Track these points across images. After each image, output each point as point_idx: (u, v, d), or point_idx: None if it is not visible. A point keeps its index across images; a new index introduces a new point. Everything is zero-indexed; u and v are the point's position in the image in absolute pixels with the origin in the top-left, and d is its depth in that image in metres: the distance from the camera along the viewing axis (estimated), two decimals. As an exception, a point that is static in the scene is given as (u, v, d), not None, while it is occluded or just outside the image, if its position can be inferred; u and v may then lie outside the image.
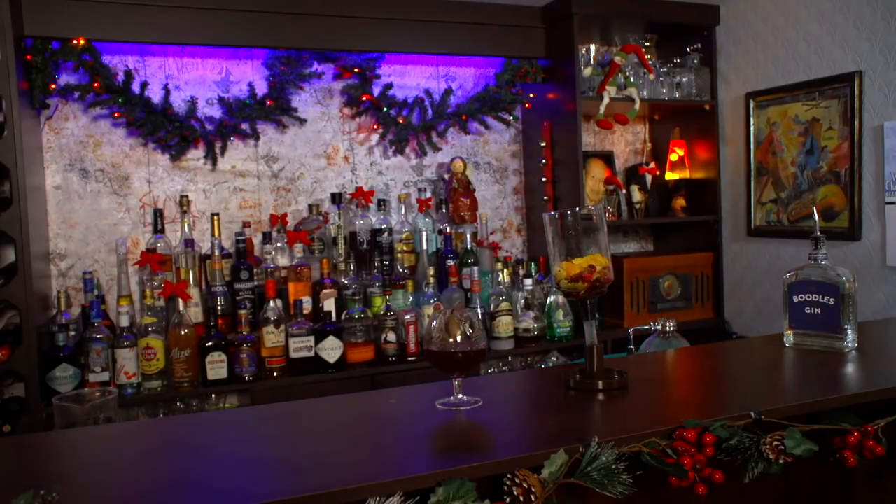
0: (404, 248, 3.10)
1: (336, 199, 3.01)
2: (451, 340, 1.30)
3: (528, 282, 3.09)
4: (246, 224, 2.95)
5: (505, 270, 3.08)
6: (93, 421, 1.47)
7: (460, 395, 1.33)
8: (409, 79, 3.26)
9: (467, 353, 1.30)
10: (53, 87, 2.64)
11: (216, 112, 2.95)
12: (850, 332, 1.63)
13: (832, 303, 1.63)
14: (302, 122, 3.05)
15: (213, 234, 2.82)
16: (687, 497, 1.13)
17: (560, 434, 1.15)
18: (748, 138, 3.28)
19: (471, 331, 1.31)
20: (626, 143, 3.71)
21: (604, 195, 3.47)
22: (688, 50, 3.41)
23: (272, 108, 2.96)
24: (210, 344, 2.59)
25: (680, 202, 3.49)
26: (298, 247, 2.86)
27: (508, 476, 1.02)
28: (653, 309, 3.28)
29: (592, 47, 3.35)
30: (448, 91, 3.27)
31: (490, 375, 2.87)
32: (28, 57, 2.56)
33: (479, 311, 2.93)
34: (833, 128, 2.91)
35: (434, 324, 1.32)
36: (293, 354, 2.70)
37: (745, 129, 3.29)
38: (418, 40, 3.07)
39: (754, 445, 1.16)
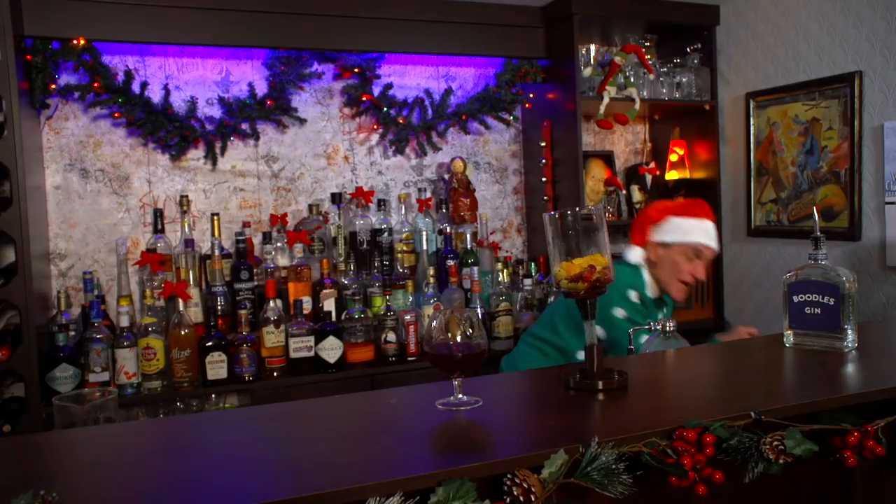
0: (404, 248, 3.10)
1: (336, 199, 3.01)
2: (451, 340, 1.30)
3: (528, 282, 3.09)
4: (246, 224, 2.95)
5: (505, 270, 3.08)
6: (93, 421, 1.47)
7: (460, 395, 1.33)
8: (409, 79, 3.26)
9: (467, 354, 1.30)
10: (53, 87, 2.65)
11: (216, 112, 2.95)
12: (850, 332, 1.63)
13: (832, 303, 1.63)
14: (302, 122, 3.05)
15: (213, 234, 2.82)
16: (687, 497, 1.13)
17: (560, 434, 1.14)
18: (748, 138, 3.28)
19: (471, 331, 1.31)
20: (626, 143, 3.71)
21: (604, 195, 3.47)
22: (688, 50, 3.41)
23: (272, 108, 2.96)
24: (210, 344, 2.58)
25: (680, 202, 3.49)
26: (298, 247, 2.86)
27: (508, 476, 1.02)
28: (653, 309, 3.27)
29: (592, 47, 3.35)
30: (448, 91, 3.27)
31: (490, 375, 2.87)
32: (28, 57, 2.56)
33: (479, 311, 2.93)
34: (833, 128, 2.91)
35: (434, 324, 1.32)
36: (293, 354, 2.70)
37: (745, 129, 3.29)
38: (418, 40, 3.07)
39: (754, 445, 1.16)
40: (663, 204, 2.45)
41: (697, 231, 2.31)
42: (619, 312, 2.23)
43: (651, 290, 2.34)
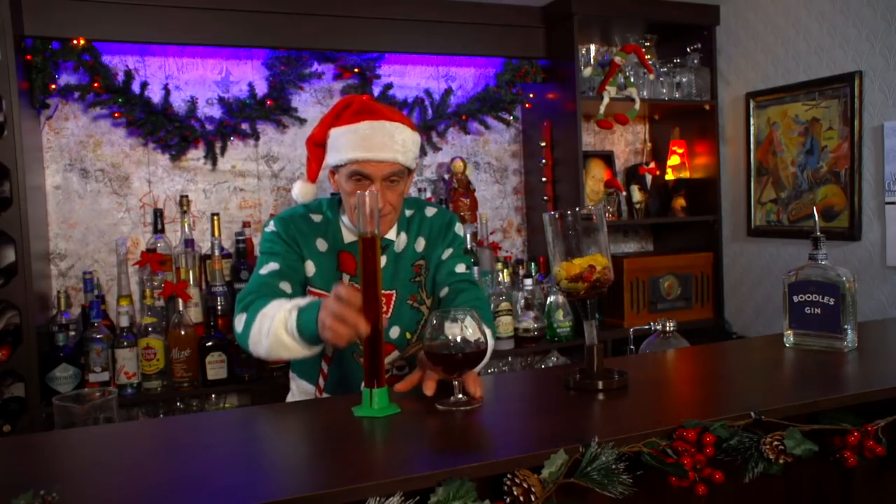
0: (404, 248, 3.09)
1: (336, 199, 3.01)
2: (451, 340, 1.30)
3: (528, 282, 3.09)
4: (246, 224, 2.95)
5: (505, 270, 3.08)
6: (93, 421, 1.47)
7: (460, 395, 1.32)
8: (409, 79, 3.26)
9: (467, 353, 1.30)
10: (53, 87, 2.64)
11: (216, 112, 2.95)
12: (850, 332, 1.63)
13: (832, 303, 1.63)
14: (302, 122, 3.05)
15: (213, 234, 2.82)
16: (687, 497, 1.13)
17: (560, 434, 1.14)
18: (748, 138, 3.28)
19: (470, 330, 1.31)
20: (626, 143, 3.71)
21: (604, 195, 3.47)
22: (688, 50, 3.41)
23: (272, 108, 2.96)
24: (210, 344, 2.59)
25: (680, 202, 3.49)
26: (298, 247, 2.86)
27: (508, 476, 1.02)
28: (653, 309, 3.28)
29: (592, 47, 3.35)
30: (448, 91, 3.27)
31: (490, 375, 2.87)
32: (28, 57, 2.56)
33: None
34: (833, 128, 2.91)
35: (433, 323, 1.32)
36: (293, 354, 2.69)
37: (745, 129, 3.29)
38: (418, 40, 3.07)
39: (754, 445, 1.16)
40: (330, 111, 1.79)
41: (348, 143, 1.68)
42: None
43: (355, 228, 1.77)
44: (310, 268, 1.78)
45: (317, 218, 1.82)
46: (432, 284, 1.84)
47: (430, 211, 1.88)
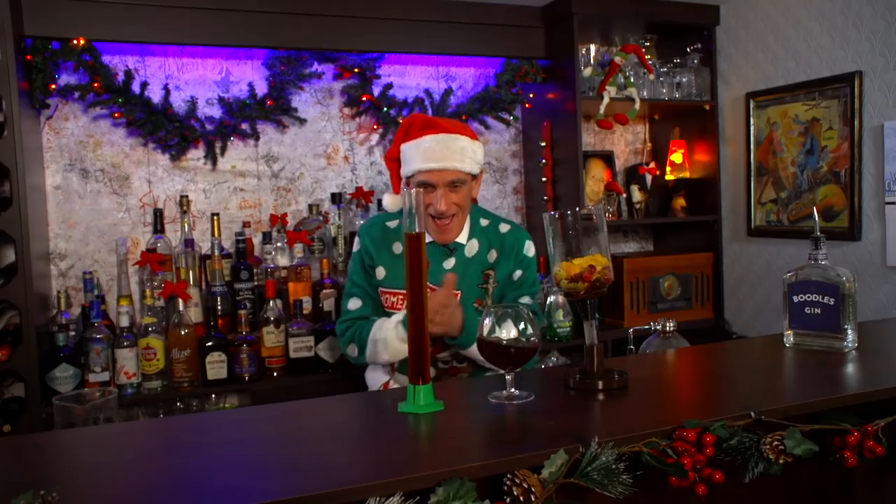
0: (404, 248, 3.09)
1: (336, 199, 3.01)
2: (503, 336, 1.34)
3: (528, 282, 3.09)
4: (246, 224, 2.95)
5: (505, 270, 3.07)
6: (93, 421, 1.47)
7: (512, 390, 1.36)
8: (409, 79, 3.26)
9: (520, 349, 1.34)
10: (53, 87, 2.64)
11: (216, 112, 2.95)
12: (850, 332, 1.63)
13: (832, 303, 1.63)
14: (302, 122, 3.05)
15: (213, 234, 2.82)
16: (687, 497, 1.13)
17: (560, 434, 1.15)
18: (748, 138, 3.28)
19: (523, 326, 1.35)
20: (626, 143, 3.71)
21: (604, 195, 3.47)
22: (688, 50, 3.41)
23: (272, 108, 2.96)
24: (210, 344, 2.59)
25: (680, 202, 3.49)
26: (298, 247, 2.86)
27: (508, 476, 1.02)
28: (653, 309, 3.28)
29: (592, 47, 3.35)
30: (448, 91, 3.27)
31: (490, 375, 2.87)
32: (28, 57, 2.56)
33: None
34: (833, 128, 2.91)
35: (487, 321, 1.36)
36: (293, 354, 2.70)
37: (745, 129, 3.29)
38: (418, 40, 3.07)
39: (754, 445, 1.16)
40: (399, 129, 2.08)
41: (414, 156, 1.94)
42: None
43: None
44: (380, 272, 2.04)
45: (393, 224, 2.06)
46: (499, 298, 2.05)
47: (504, 227, 2.09)
